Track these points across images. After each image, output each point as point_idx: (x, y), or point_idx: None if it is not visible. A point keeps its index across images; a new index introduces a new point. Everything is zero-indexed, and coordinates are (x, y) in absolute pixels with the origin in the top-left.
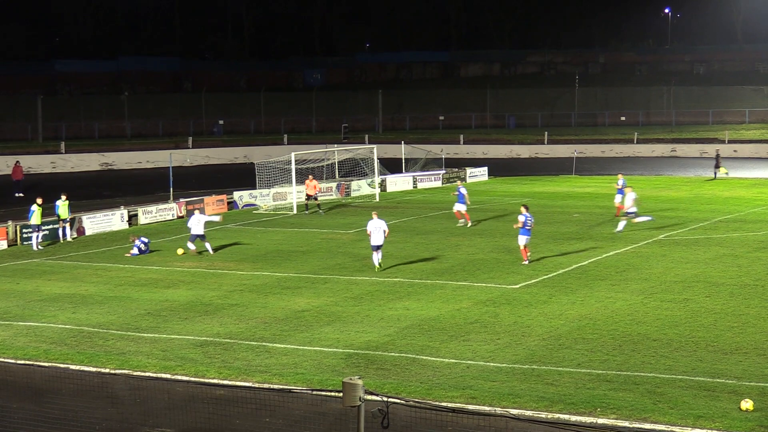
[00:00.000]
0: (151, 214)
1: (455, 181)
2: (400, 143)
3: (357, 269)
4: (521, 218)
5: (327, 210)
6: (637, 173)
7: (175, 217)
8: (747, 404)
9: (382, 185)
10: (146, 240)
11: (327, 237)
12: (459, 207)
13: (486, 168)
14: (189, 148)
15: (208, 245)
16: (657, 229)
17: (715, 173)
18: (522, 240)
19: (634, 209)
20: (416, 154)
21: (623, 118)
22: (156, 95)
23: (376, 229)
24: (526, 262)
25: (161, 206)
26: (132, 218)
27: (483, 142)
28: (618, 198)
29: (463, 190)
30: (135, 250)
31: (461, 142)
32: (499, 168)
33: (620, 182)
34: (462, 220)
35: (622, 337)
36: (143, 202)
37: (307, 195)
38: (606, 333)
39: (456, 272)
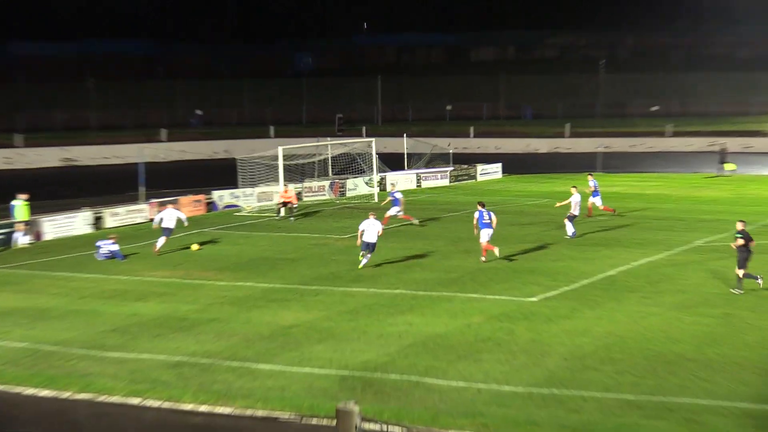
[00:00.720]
0: (119, 216)
1: (458, 175)
2: (402, 136)
3: (353, 279)
4: (476, 216)
5: (316, 212)
6: (671, 170)
7: (147, 219)
8: None
9: (382, 184)
10: (114, 248)
11: (319, 242)
12: (391, 212)
13: (499, 164)
14: (162, 141)
15: (162, 240)
16: (693, 233)
17: (720, 169)
18: (484, 236)
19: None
20: (420, 149)
21: (655, 108)
22: (125, 82)
23: (370, 227)
24: (483, 259)
25: (131, 207)
26: (97, 221)
27: (496, 135)
28: (596, 200)
29: (399, 195)
30: (102, 256)
31: (471, 135)
32: (514, 164)
33: (591, 183)
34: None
35: (655, 357)
36: (110, 203)
37: (282, 202)
38: (637, 352)
39: (465, 283)
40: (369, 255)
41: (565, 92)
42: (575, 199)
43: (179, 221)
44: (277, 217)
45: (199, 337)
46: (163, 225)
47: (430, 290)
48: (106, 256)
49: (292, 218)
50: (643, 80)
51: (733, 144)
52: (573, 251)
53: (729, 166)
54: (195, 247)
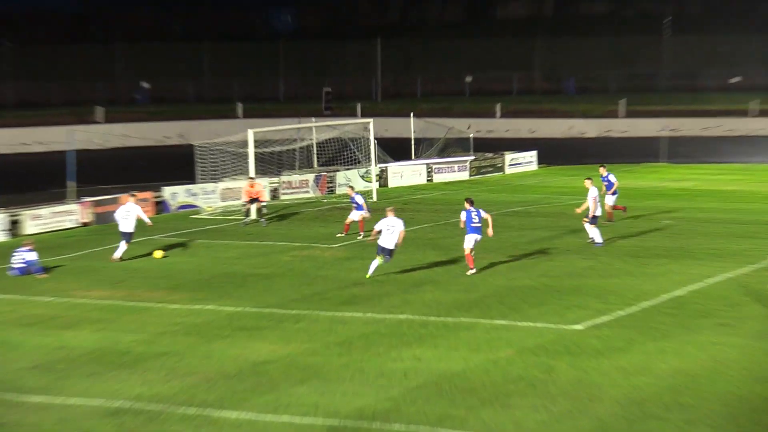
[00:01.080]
0: (41, 220)
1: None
2: (409, 116)
3: (345, 300)
4: (462, 217)
5: (297, 213)
6: (756, 160)
7: (78, 224)
8: None
9: (382, 178)
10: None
11: (301, 254)
12: (354, 216)
13: (534, 152)
14: (98, 122)
15: (122, 247)
16: None
17: None
18: (468, 241)
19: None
20: (432, 133)
21: (736, 80)
22: (50, 46)
23: (389, 228)
24: (473, 271)
25: (57, 209)
26: (14, 226)
27: (530, 115)
28: (611, 199)
29: (360, 199)
30: (15, 270)
31: (497, 114)
32: (553, 153)
33: (607, 180)
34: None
35: (736, 403)
36: (30, 203)
37: (249, 199)
38: (712, 396)
39: (491, 305)
40: (382, 260)
41: (618, 59)
42: (592, 194)
43: (141, 221)
44: (245, 221)
45: (145, 376)
46: (120, 228)
47: (444, 315)
48: (20, 271)
49: (263, 220)
50: (719, 44)
51: None
52: (629, 265)
53: None
54: (158, 254)
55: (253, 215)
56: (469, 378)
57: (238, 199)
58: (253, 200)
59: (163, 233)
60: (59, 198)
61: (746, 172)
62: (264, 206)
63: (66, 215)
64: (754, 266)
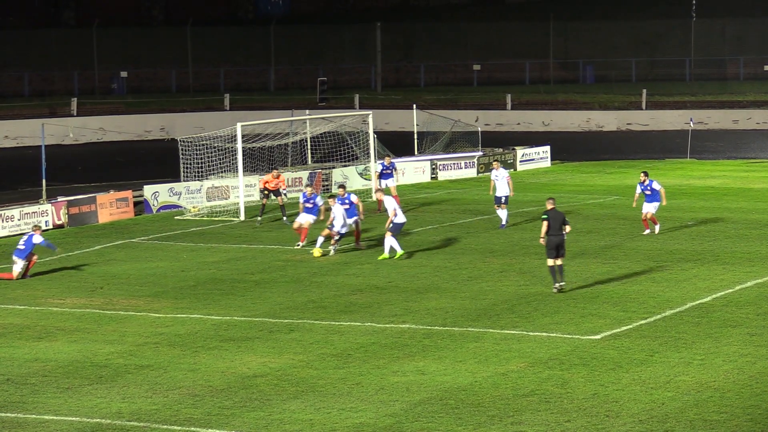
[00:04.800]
0: (12, 221)
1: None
2: (411, 108)
3: (342, 309)
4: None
5: (291, 214)
6: None
7: (51, 226)
8: None
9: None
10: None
11: (294, 258)
12: (305, 219)
13: (548, 147)
14: (72, 115)
15: (17, 266)
16: None
17: None
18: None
19: None
20: (437, 126)
21: None
22: (19, 31)
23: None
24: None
25: (28, 209)
26: None
27: (543, 106)
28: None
29: (355, 198)
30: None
31: (508, 106)
32: (568, 147)
33: (651, 186)
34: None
35: (767, 419)
36: None
37: (266, 190)
38: (741, 412)
39: (500, 314)
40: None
41: (641, 44)
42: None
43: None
44: (259, 220)
45: (125, 390)
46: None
47: (450, 325)
48: (21, 253)
49: (285, 219)
50: (751, 28)
51: None
52: (651, 270)
53: None
54: (317, 252)
55: (259, 217)
56: (476, 393)
57: (225, 198)
58: (269, 193)
59: (143, 236)
60: (30, 198)
61: None
62: (283, 200)
63: (38, 216)
64: None
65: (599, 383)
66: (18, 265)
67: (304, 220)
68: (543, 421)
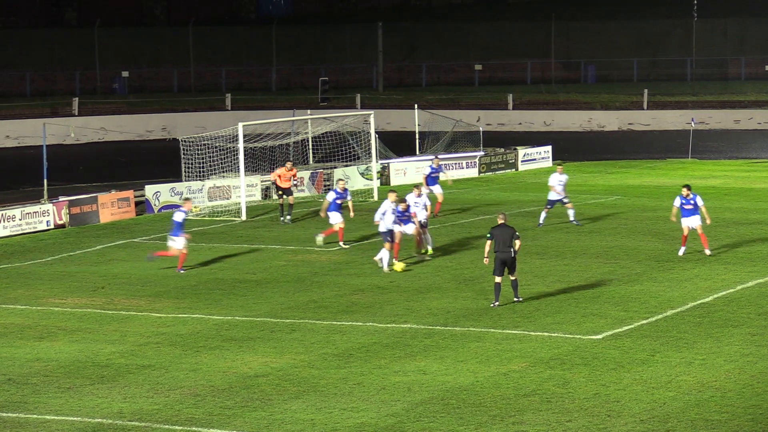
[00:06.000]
0: (13, 221)
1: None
2: (413, 108)
3: (343, 309)
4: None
5: (293, 213)
6: None
7: (52, 226)
8: None
9: (384, 175)
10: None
11: (295, 258)
12: (336, 220)
13: (550, 147)
14: (74, 115)
15: (176, 243)
16: None
17: None
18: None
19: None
20: (438, 126)
21: None
22: (20, 31)
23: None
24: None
25: (29, 209)
26: None
27: (545, 106)
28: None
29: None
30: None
31: (510, 106)
32: (570, 147)
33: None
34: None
35: None
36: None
37: (279, 189)
38: (743, 411)
39: (502, 314)
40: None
41: (643, 44)
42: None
43: None
44: (284, 220)
45: (127, 390)
46: None
47: (451, 324)
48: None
49: (288, 217)
50: (752, 28)
51: None
52: (653, 270)
53: None
54: (399, 267)
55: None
56: (478, 392)
57: (227, 198)
58: (282, 192)
59: (145, 236)
60: (31, 198)
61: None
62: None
63: (38, 217)
64: None
65: (600, 383)
66: (176, 243)
67: (338, 220)
68: (544, 421)
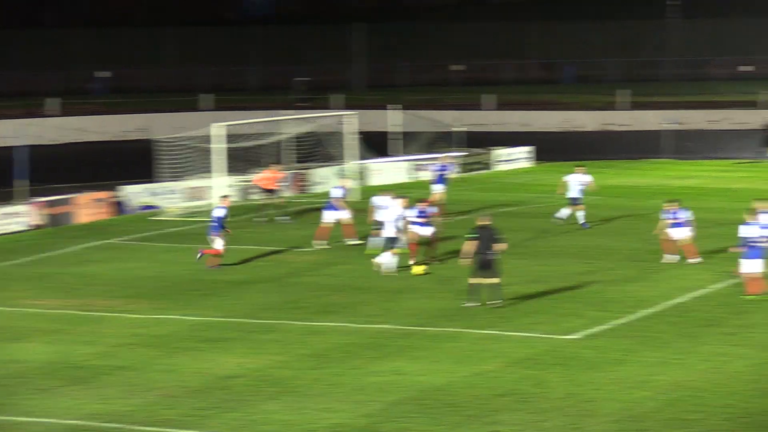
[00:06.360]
0: None
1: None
2: (392, 108)
3: (320, 309)
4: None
5: (270, 214)
6: None
7: (29, 226)
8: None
9: (363, 176)
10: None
11: (273, 259)
12: (330, 217)
13: (528, 148)
14: (52, 115)
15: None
16: None
17: (762, 152)
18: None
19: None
20: (417, 126)
21: (747, 68)
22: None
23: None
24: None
25: (6, 210)
26: None
27: (524, 107)
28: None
29: (339, 192)
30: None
31: (489, 106)
32: (549, 147)
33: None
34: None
35: (743, 418)
36: None
37: (266, 190)
38: (718, 411)
39: (477, 314)
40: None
41: (620, 45)
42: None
43: None
44: (285, 218)
45: (102, 391)
46: None
47: (427, 325)
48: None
49: (287, 217)
50: (729, 29)
51: None
52: (629, 269)
53: None
54: (418, 270)
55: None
56: (453, 393)
57: (202, 198)
58: (267, 191)
59: (121, 237)
60: (7, 198)
61: (756, 168)
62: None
63: (15, 217)
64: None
65: (575, 383)
66: (217, 243)
67: (329, 217)
68: (519, 421)
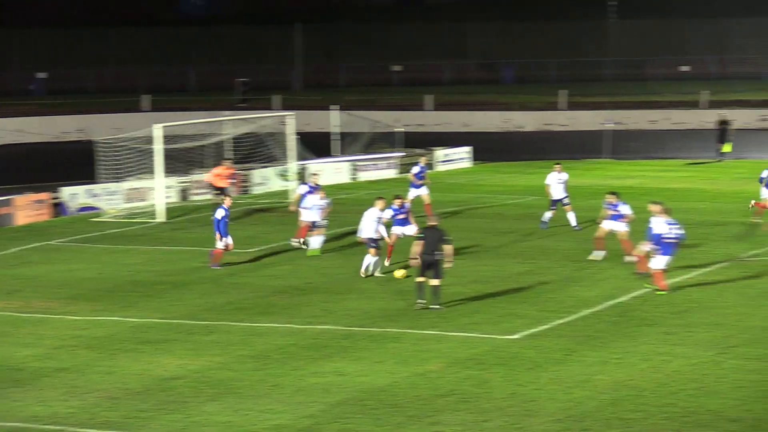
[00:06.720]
0: None
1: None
2: (332, 109)
3: (261, 310)
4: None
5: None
6: (707, 155)
7: None
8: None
9: (302, 176)
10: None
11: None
12: (308, 217)
13: (468, 148)
14: None
15: (220, 242)
16: (737, 244)
17: (720, 149)
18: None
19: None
20: (357, 127)
21: (685, 68)
22: None
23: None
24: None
25: None
26: None
27: (464, 107)
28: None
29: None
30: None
31: (429, 106)
32: (488, 148)
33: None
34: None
35: (683, 417)
36: None
37: (216, 188)
38: (658, 410)
39: (420, 314)
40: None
41: (560, 46)
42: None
43: None
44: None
45: (42, 394)
46: None
47: (369, 325)
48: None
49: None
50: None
51: None
52: (570, 269)
53: (726, 147)
54: (400, 273)
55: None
56: (395, 393)
57: (143, 200)
58: (219, 189)
59: (60, 238)
60: None
61: (695, 168)
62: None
63: None
64: (703, 270)
65: (517, 383)
66: (219, 242)
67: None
68: (461, 421)
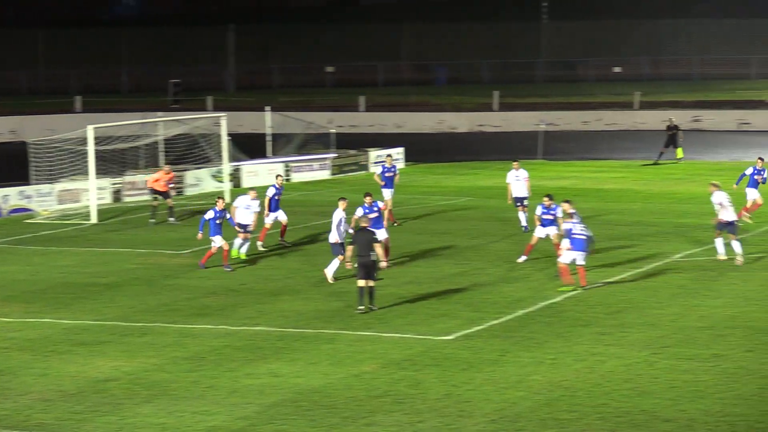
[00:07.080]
0: None
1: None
2: (265, 110)
3: (195, 312)
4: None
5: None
6: (640, 156)
7: None
8: None
9: (235, 177)
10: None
11: (147, 261)
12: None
13: (401, 149)
14: None
15: (216, 243)
16: (670, 244)
17: (662, 154)
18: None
19: None
20: (290, 128)
21: (617, 69)
22: None
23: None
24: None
25: None
26: None
27: (396, 108)
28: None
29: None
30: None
31: (362, 107)
32: (421, 149)
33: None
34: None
35: (618, 417)
36: None
37: (154, 192)
38: (591, 410)
39: (355, 316)
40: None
41: (492, 47)
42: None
43: None
44: (153, 221)
45: None
46: None
47: (303, 327)
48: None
49: (172, 219)
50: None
51: (722, 118)
52: (503, 270)
53: (678, 152)
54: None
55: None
56: (330, 394)
57: (77, 201)
58: (160, 193)
59: None
60: None
61: (628, 169)
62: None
63: None
64: (636, 271)
65: (451, 383)
66: (215, 241)
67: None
68: (396, 422)
